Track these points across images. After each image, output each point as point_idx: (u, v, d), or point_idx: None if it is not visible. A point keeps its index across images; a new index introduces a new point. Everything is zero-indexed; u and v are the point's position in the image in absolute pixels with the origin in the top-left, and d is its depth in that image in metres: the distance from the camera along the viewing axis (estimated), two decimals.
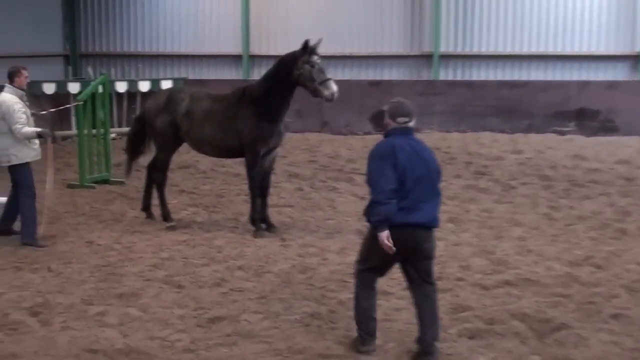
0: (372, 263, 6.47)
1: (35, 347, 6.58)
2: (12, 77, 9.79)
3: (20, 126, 9.58)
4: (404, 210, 6.16)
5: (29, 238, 9.77)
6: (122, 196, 12.59)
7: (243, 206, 11.92)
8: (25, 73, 9.90)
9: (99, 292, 8.00)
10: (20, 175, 9.80)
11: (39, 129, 9.80)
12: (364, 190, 12.75)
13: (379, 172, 6.20)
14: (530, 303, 7.61)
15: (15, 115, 9.56)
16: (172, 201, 11.64)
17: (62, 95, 18.38)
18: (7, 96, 9.73)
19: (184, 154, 16.37)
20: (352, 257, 9.09)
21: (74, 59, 21.99)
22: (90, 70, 20.52)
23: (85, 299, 7.79)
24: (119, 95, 19.05)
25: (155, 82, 20.07)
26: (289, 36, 21.13)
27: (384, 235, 6.15)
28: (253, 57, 21.48)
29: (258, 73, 21.33)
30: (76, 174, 13.78)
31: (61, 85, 18.54)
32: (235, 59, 21.55)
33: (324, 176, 14.29)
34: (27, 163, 9.82)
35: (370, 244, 6.39)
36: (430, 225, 6.33)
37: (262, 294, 7.95)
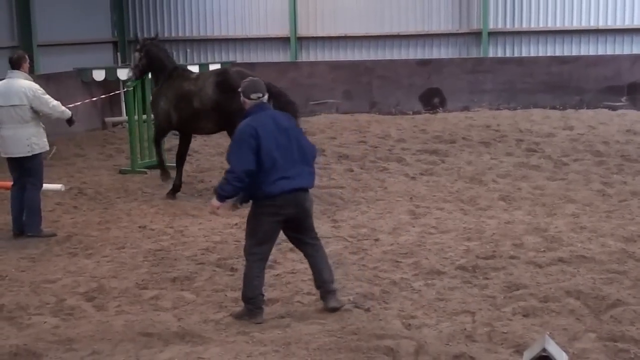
0: (257, 238, 6.85)
1: (91, 332, 6.66)
2: (19, 62, 9.55)
3: (57, 103, 9.55)
4: (283, 179, 6.65)
5: (34, 229, 9.61)
6: (173, 181, 12.63)
7: None
8: (27, 59, 9.77)
9: (153, 276, 8.07)
10: (36, 166, 9.65)
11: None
12: (415, 170, 12.81)
13: (236, 153, 6.66)
14: (585, 280, 7.49)
15: (45, 96, 9.48)
16: None
17: (111, 82, 18.55)
18: (25, 82, 9.49)
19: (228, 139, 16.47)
20: (404, 237, 9.13)
21: (123, 45, 22.12)
22: (135, 55, 20.59)
23: (139, 283, 7.86)
24: None
25: (203, 66, 20.11)
26: (337, 17, 21.08)
27: (215, 204, 6.85)
28: (301, 39, 21.40)
29: (306, 55, 21.35)
30: (128, 160, 13.91)
31: (111, 71, 18.68)
32: (283, 41, 21.50)
33: (374, 156, 14.21)
34: (41, 153, 9.71)
35: (253, 221, 6.85)
36: (306, 186, 6.87)
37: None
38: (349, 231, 9.55)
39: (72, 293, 7.57)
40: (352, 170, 13.18)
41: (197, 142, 15.49)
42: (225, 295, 7.47)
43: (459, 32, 20.66)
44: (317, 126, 17.92)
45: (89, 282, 7.89)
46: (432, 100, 20.04)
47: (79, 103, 15.10)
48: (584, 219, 9.75)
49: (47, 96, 9.57)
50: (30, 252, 9.00)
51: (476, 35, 20.47)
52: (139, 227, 10.01)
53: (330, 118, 19.21)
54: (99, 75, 18.46)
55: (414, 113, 19.57)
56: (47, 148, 9.84)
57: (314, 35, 21.22)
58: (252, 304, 6.88)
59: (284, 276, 7.98)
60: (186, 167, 13.43)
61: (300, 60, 21.28)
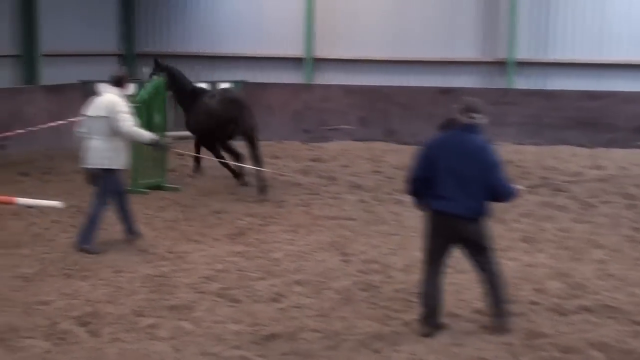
0: (427, 246, 7.44)
1: (84, 359, 6.67)
2: (121, 81, 10.33)
3: (131, 123, 10.09)
4: (439, 198, 7.22)
5: (86, 243, 9.94)
6: (175, 203, 12.70)
7: (302, 217, 11.97)
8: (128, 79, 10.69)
9: (150, 303, 8.09)
10: (108, 180, 10.14)
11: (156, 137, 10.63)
12: None
13: (414, 159, 7.44)
14: (610, 332, 7.47)
15: (124, 114, 10.03)
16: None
17: None
18: (114, 97, 10.15)
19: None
20: (418, 275, 9.09)
21: (130, 59, 22.30)
22: (145, 70, 20.76)
23: (136, 310, 7.88)
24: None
25: (211, 85, 20.24)
26: (355, 39, 21.21)
27: (415, 204, 7.62)
28: (317, 61, 21.52)
29: (321, 77, 21.46)
30: (129, 179, 13.94)
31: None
32: (297, 61, 21.64)
33: (388, 188, 14.24)
34: (116, 169, 10.21)
35: (425, 229, 7.47)
36: (466, 215, 7.22)
37: (322, 312, 7.95)
38: (359, 266, 9.56)
39: (66, 316, 7.60)
40: (364, 202, 13.21)
41: (204, 163, 15.57)
42: (226, 328, 7.49)
43: (484, 60, 20.75)
44: (329, 153, 18.00)
45: (83, 305, 7.92)
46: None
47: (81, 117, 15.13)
48: (612, 265, 9.73)
49: (127, 115, 10.08)
50: (23, 271, 9.04)
51: (501, 64, 20.55)
52: (138, 250, 10.05)
53: (343, 145, 19.28)
54: None
55: None
56: (123, 166, 10.32)
57: (330, 57, 21.35)
58: (424, 312, 7.40)
59: (289, 310, 8.00)
60: (190, 189, 13.58)
61: (314, 83, 21.38)
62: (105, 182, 10.13)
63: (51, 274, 9.00)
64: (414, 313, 7.90)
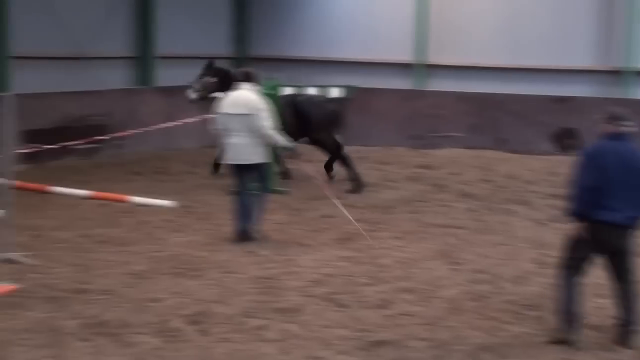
0: (571, 254, 7.43)
1: (193, 357, 6.80)
2: (250, 77, 10.70)
3: (271, 124, 10.52)
4: (604, 208, 7.14)
5: (257, 223, 10.62)
6: (285, 207, 12.79)
7: (410, 224, 11.92)
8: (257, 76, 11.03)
9: (259, 304, 8.18)
10: (261, 173, 10.76)
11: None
12: (544, 216, 12.58)
13: (578, 169, 7.28)
14: None
15: (264, 113, 10.45)
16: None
17: None
18: (253, 95, 10.56)
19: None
20: (529, 287, 8.97)
21: (242, 62, 22.60)
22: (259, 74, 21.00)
23: (244, 310, 7.97)
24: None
25: (323, 89, 20.36)
26: (467, 45, 21.00)
27: (576, 227, 7.32)
28: (428, 67, 21.41)
29: (431, 83, 21.32)
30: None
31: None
32: (407, 67, 21.56)
33: (499, 197, 14.05)
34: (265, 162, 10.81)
35: (572, 237, 7.42)
36: (626, 225, 7.25)
37: (430, 320, 7.90)
38: (468, 275, 9.45)
39: (176, 315, 7.75)
40: (474, 210, 13.06)
41: (312, 167, 15.62)
42: (333, 332, 7.51)
43: (600, 69, 20.25)
44: (438, 160, 17.87)
45: (193, 304, 8.06)
46: (565, 141, 19.66)
47: (193, 119, 15.47)
48: None
49: (267, 114, 10.49)
50: (135, 268, 9.27)
51: (618, 73, 20.03)
52: (247, 252, 10.17)
53: (453, 152, 19.10)
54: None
55: (545, 153, 19.22)
56: (266, 160, 10.89)
57: (440, 63, 21.18)
58: (561, 318, 7.38)
59: (396, 318, 7.97)
60: (299, 193, 13.67)
61: (424, 89, 21.27)
62: (258, 174, 10.65)
63: (162, 272, 9.20)
64: (524, 325, 7.79)
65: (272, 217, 12.06)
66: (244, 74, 10.81)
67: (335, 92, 20.22)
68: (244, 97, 10.54)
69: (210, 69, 15.60)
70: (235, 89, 10.75)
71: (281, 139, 10.87)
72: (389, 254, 10.29)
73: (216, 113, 10.76)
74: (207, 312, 7.85)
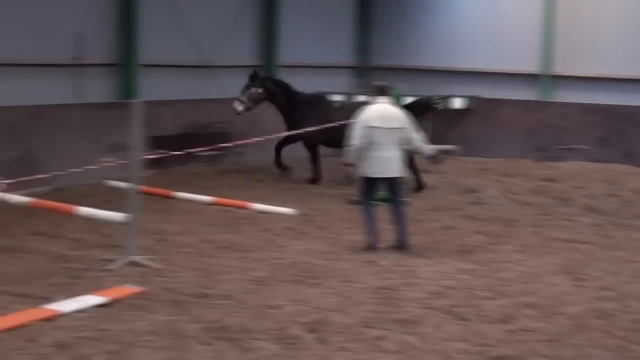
0: None
1: None
2: (386, 91, 10.94)
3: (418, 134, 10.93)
4: None
5: (407, 239, 10.81)
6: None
7: (533, 238, 11.70)
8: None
9: (378, 315, 8.14)
10: (401, 185, 10.99)
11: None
12: None
13: None
14: None
15: (413, 126, 10.86)
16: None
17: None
18: (396, 109, 10.86)
19: (470, 178, 16.42)
20: None
21: (364, 72, 22.69)
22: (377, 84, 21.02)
23: (363, 320, 7.94)
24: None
25: (445, 99, 20.26)
26: (595, 57, 20.49)
27: None
28: (553, 77, 20.99)
29: (556, 95, 20.90)
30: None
31: (349, 97, 19.20)
32: (533, 78, 21.19)
33: (627, 213, 13.62)
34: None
35: None
36: None
37: (552, 337, 7.69)
38: (594, 293, 9.17)
39: (295, 322, 7.78)
40: (600, 225, 12.71)
41: (433, 178, 15.58)
42: (453, 346, 7.39)
43: None
44: (563, 173, 17.47)
45: (312, 312, 8.08)
46: None
47: (319, 127, 15.58)
48: None
49: (413, 126, 10.89)
50: (255, 274, 9.37)
51: None
52: (366, 261, 10.16)
53: (578, 165, 18.63)
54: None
55: None
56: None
57: (566, 74, 20.74)
58: None
59: (518, 333, 7.80)
60: (420, 203, 13.60)
61: (550, 100, 20.85)
62: (400, 186, 10.89)
63: (282, 279, 9.27)
64: None
65: (393, 227, 12.02)
66: (381, 88, 10.93)
67: (458, 103, 20.17)
68: (391, 110, 10.75)
69: (255, 79, 15.69)
70: (373, 102, 10.83)
71: (429, 148, 11.25)
72: (510, 267, 10.11)
73: (358, 126, 10.67)
74: (326, 321, 7.85)
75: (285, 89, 15.89)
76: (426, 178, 15.55)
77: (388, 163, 10.64)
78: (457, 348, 7.34)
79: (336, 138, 14.44)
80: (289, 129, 15.70)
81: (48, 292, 8.39)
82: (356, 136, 10.55)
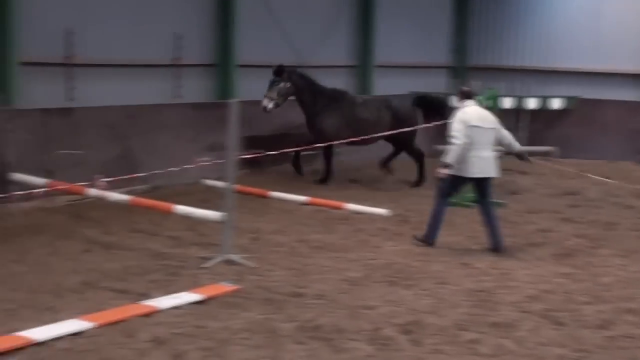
0: None
1: None
2: (471, 95, 11.03)
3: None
4: None
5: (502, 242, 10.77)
6: (501, 219, 12.46)
7: (635, 242, 11.42)
8: None
9: (473, 317, 8.05)
10: (492, 185, 10.97)
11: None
12: None
13: None
14: None
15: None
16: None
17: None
18: (486, 111, 11.05)
19: (570, 180, 16.13)
20: None
21: (460, 72, 22.49)
22: (476, 83, 20.82)
23: (458, 323, 7.88)
24: (504, 111, 19.10)
25: (543, 100, 19.94)
26: None
27: None
28: None
29: None
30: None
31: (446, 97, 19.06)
32: (635, 78, 20.65)
33: None
34: None
35: None
36: None
37: None
38: None
39: (389, 323, 7.76)
40: None
41: (530, 180, 15.36)
42: (550, 351, 7.27)
43: None
44: None
45: (406, 314, 8.05)
46: None
47: (416, 127, 15.53)
48: None
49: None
50: (350, 275, 9.39)
51: None
52: (461, 263, 10.08)
53: None
54: None
55: None
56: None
57: None
58: None
59: (618, 340, 7.62)
60: (515, 206, 13.43)
61: None
62: (491, 186, 10.90)
63: (376, 280, 9.26)
64: None
65: (486, 229, 11.88)
66: (467, 93, 11.01)
67: (556, 103, 19.83)
68: (484, 112, 10.92)
69: (282, 73, 15.17)
70: (463, 106, 10.84)
71: (518, 145, 11.27)
72: (610, 272, 9.89)
73: (460, 126, 10.58)
74: (420, 322, 7.81)
75: (310, 82, 15.52)
76: (523, 180, 15.37)
77: (487, 163, 10.68)
78: (554, 353, 7.22)
79: (361, 134, 14.91)
80: (310, 124, 15.47)
81: (146, 288, 8.57)
82: (460, 136, 10.47)
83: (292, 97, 15.38)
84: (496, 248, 10.68)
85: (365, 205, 12.85)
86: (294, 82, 15.18)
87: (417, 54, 21.15)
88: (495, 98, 14.31)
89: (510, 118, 19.42)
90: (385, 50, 19.74)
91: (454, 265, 9.98)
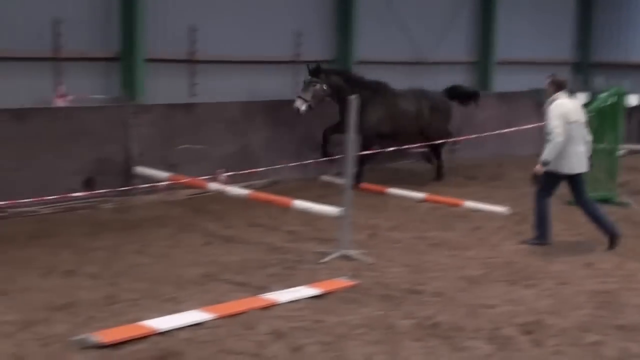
0: None
1: None
2: (566, 85, 10.68)
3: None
4: None
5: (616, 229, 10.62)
6: (625, 219, 12.18)
7: None
8: None
9: (596, 319, 7.85)
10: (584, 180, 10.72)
11: None
12: None
13: None
14: None
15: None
16: None
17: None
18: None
19: None
20: None
21: (583, 68, 21.98)
22: (601, 80, 20.32)
23: (580, 324, 7.69)
24: (630, 109, 18.57)
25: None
26: None
27: None
28: None
29: None
30: None
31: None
32: None
33: None
34: None
35: None
36: None
37: None
38: None
39: (509, 322, 7.64)
40: None
41: None
42: None
43: None
44: None
45: (526, 314, 7.91)
46: None
47: (533, 125, 15.24)
48: None
49: None
50: (468, 273, 9.29)
51: None
52: (585, 263, 9.84)
53: None
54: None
55: None
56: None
57: None
58: None
59: None
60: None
61: None
62: (583, 182, 10.65)
63: (495, 279, 9.13)
64: None
65: (596, 225, 11.56)
66: (560, 83, 10.57)
67: None
68: (578, 104, 10.73)
69: (319, 73, 14.06)
70: (557, 97, 10.42)
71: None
72: None
73: (558, 122, 10.26)
74: (541, 323, 7.66)
75: (346, 77, 14.48)
76: None
77: (582, 158, 10.49)
78: None
79: (406, 129, 14.79)
80: (342, 117, 13.75)
81: (265, 281, 8.69)
82: (560, 132, 10.18)
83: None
84: (613, 235, 10.49)
85: (484, 203, 12.69)
86: (333, 84, 14.16)
87: (538, 49, 20.78)
88: (620, 95, 13.87)
89: (636, 116, 18.90)
90: (505, 45, 19.49)
91: (577, 266, 9.75)
